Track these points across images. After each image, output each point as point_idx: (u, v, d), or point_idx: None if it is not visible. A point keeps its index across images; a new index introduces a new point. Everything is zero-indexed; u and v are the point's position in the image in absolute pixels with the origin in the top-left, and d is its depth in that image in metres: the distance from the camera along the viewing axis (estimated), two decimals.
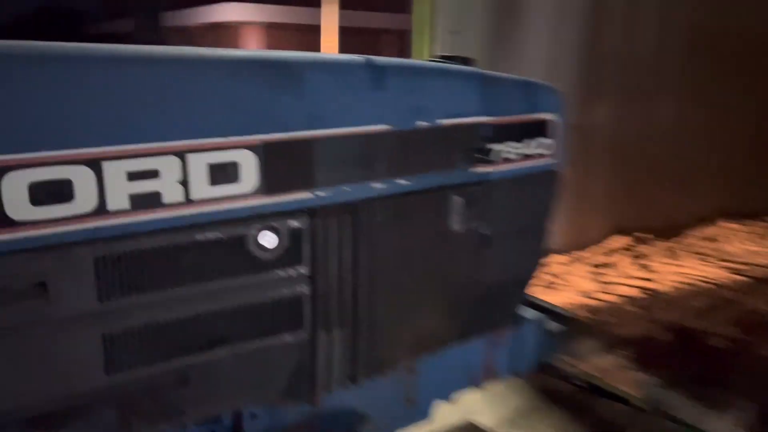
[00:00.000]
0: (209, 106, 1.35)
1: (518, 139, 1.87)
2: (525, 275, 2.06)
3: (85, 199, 1.22)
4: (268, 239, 1.48)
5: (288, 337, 1.56)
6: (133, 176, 1.27)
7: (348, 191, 1.57)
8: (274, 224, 1.47)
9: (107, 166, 1.23)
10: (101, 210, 1.24)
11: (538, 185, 1.97)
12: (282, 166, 1.45)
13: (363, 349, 1.69)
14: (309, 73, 1.48)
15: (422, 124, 1.66)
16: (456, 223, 1.78)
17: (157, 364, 1.38)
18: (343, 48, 4.82)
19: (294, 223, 1.50)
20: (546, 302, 2.28)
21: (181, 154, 1.31)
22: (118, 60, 1.27)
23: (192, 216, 1.35)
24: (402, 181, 1.66)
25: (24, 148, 1.14)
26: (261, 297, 1.50)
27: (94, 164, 1.22)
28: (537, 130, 1.92)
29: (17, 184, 1.14)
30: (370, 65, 1.58)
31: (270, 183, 1.44)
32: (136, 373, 1.36)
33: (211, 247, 1.40)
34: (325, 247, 1.57)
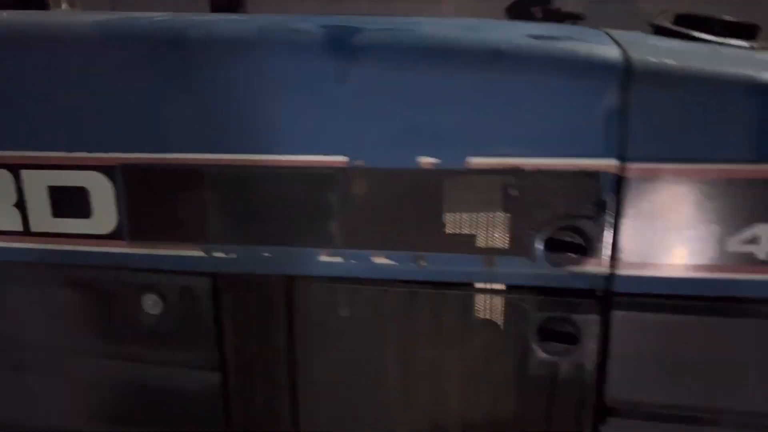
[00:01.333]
0: (56, 102, 0.94)
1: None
2: None
3: None
4: (151, 303, 1.00)
5: None
6: None
7: (274, 259, 0.93)
8: (156, 285, 0.98)
9: None
10: None
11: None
12: (159, 203, 0.94)
13: None
14: (219, 53, 0.89)
15: (427, 161, 0.85)
16: (519, 358, 0.90)
17: None
18: None
19: (188, 288, 0.97)
20: None
21: (13, 169, 0.96)
22: None
23: (35, 253, 0.99)
24: (384, 260, 0.90)
25: None
26: (146, 375, 1.04)
27: None
28: None
29: None
30: (336, 35, 0.86)
31: (137, 226, 0.95)
32: None
33: (72, 298, 1.01)
34: (244, 329, 0.98)
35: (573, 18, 1.57)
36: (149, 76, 0.91)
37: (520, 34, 0.87)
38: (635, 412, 0.90)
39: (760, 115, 0.78)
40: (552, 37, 0.87)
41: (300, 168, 0.88)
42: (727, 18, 1.03)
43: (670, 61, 0.81)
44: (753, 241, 0.81)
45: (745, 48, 0.97)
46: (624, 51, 0.82)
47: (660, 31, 1.03)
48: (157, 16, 0.98)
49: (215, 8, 1.41)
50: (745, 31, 1.02)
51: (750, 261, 0.82)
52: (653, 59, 0.81)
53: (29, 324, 1.05)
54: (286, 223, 0.91)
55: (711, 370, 0.88)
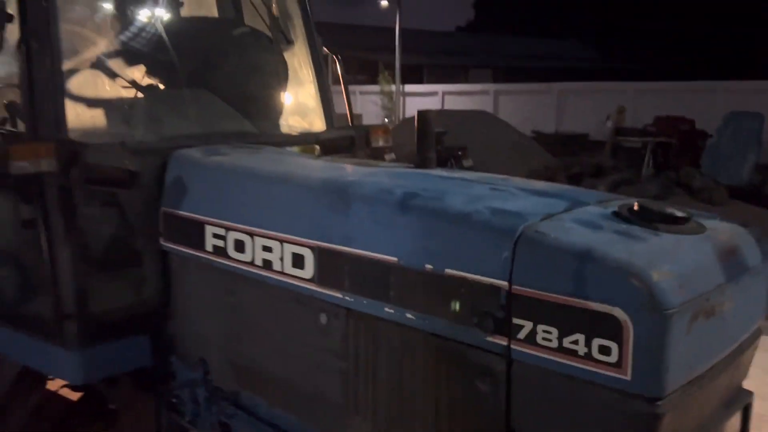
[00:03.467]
0: (293, 213, 2.01)
1: (561, 326, 1.42)
2: None
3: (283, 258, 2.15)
4: (323, 319, 1.97)
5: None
6: (264, 248, 2.12)
7: (366, 304, 1.82)
8: (326, 308, 1.95)
9: (255, 239, 2.15)
10: (251, 262, 2.16)
11: (587, 404, 1.39)
12: (341, 266, 1.90)
13: None
14: (354, 199, 1.86)
15: (429, 267, 1.65)
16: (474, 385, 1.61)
17: None
18: None
19: (336, 313, 1.92)
20: None
21: (280, 241, 2.05)
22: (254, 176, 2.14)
23: (278, 281, 2.06)
24: (409, 315, 1.71)
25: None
26: (321, 360, 2.00)
27: (249, 235, 2.16)
28: (594, 325, 1.37)
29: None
30: (399, 198, 1.75)
31: (321, 277, 1.94)
32: None
33: (285, 308, 2.06)
34: (354, 345, 1.88)
35: None
36: (323, 207, 1.91)
37: (483, 204, 1.62)
38: None
39: None
40: (503, 211, 1.59)
41: (378, 262, 1.77)
42: (668, 211, 1.57)
43: (549, 235, 1.47)
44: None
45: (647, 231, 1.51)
46: (527, 222, 1.51)
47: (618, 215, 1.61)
48: None
49: None
50: (673, 220, 1.55)
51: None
52: (537, 232, 1.48)
53: None
54: (374, 288, 1.80)
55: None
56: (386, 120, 23.59)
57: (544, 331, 1.45)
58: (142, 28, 3.03)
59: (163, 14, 3.36)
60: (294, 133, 3.13)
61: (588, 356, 1.39)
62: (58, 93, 2.44)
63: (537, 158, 14.71)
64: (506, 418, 1.55)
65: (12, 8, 2.45)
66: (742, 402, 1.74)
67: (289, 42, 3.16)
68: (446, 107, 21.72)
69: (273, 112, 3.15)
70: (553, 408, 1.47)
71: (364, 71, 31.09)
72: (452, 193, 1.79)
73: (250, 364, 2.28)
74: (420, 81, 27.97)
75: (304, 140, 3.02)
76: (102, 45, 3.03)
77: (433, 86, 25.43)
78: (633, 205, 1.60)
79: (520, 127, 17.08)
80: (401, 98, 24.77)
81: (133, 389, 2.74)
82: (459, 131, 14.35)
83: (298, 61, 3.25)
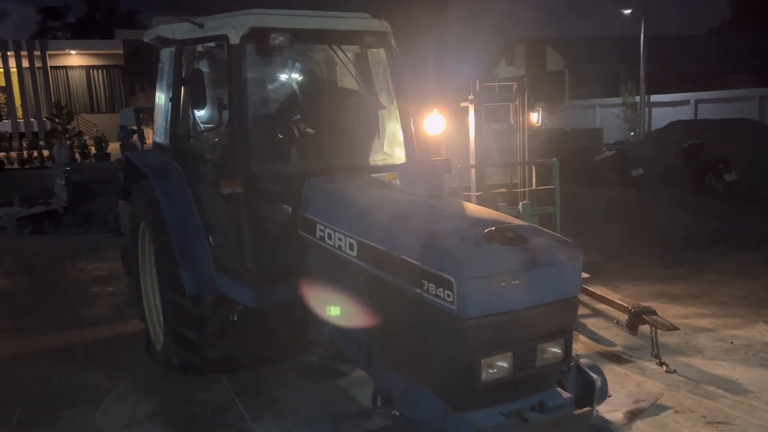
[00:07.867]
0: (350, 220, 3.79)
1: (435, 284, 3.04)
2: None
3: (345, 243, 3.99)
4: (362, 278, 3.75)
5: None
6: (338, 239, 3.94)
7: (377, 271, 3.56)
8: (363, 273, 3.71)
9: (344, 237, 3.97)
10: (333, 245, 3.99)
11: (444, 319, 3.00)
12: (365, 250, 3.66)
13: None
14: (373, 215, 3.60)
15: (396, 253, 3.34)
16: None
17: None
18: None
19: (366, 276, 3.67)
20: None
21: (344, 235, 3.85)
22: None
23: (345, 257, 3.86)
24: (390, 277, 3.41)
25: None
26: (362, 300, 3.78)
27: (333, 231, 3.99)
28: (445, 284, 2.97)
29: (329, 233, 4.10)
30: (392, 216, 3.45)
31: (360, 256, 3.70)
32: None
33: (347, 272, 3.86)
34: (375, 293, 3.63)
35: None
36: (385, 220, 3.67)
37: (427, 225, 3.27)
38: None
39: None
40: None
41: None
42: (506, 233, 3.09)
43: (438, 241, 3.09)
44: None
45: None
46: (436, 233, 3.14)
47: (485, 235, 3.17)
48: None
49: None
50: (507, 239, 3.07)
51: None
52: (435, 240, 3.11)
53: None
54: None
55: None
56: (631, 134, 23.04)
57: (432, 286, 3.08)
58: (295, 95, 4.99)
59: (316, 83, 5.32)
60: (384, 164, 4.91)
61: (443, 299, 3.00)
62: (247, 142, 4.45)
63: None
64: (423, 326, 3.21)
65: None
66: (561, 337, 3.17)
67: (384, 106, 4.93)
68: (700, 117, 20.47)
69: (372, 150, 4.96)
70: (435, 321, 3.10)
71: (603, 84, 30.31)
72: (417, 217, 3.44)
73: (338, 302, 4.12)
74: (667, 90, 26.39)
75: (390, 169, 4.79)
76: (270, 107, 5.06)
77: (683, 95, 23.89)
78: (492, 230, 3.14)
79: None
80: (646, 109, 23.96)
81: (286, 314, 4.75)
82: (720, 142, 14.12)
83: (392, 114, 5.01)
